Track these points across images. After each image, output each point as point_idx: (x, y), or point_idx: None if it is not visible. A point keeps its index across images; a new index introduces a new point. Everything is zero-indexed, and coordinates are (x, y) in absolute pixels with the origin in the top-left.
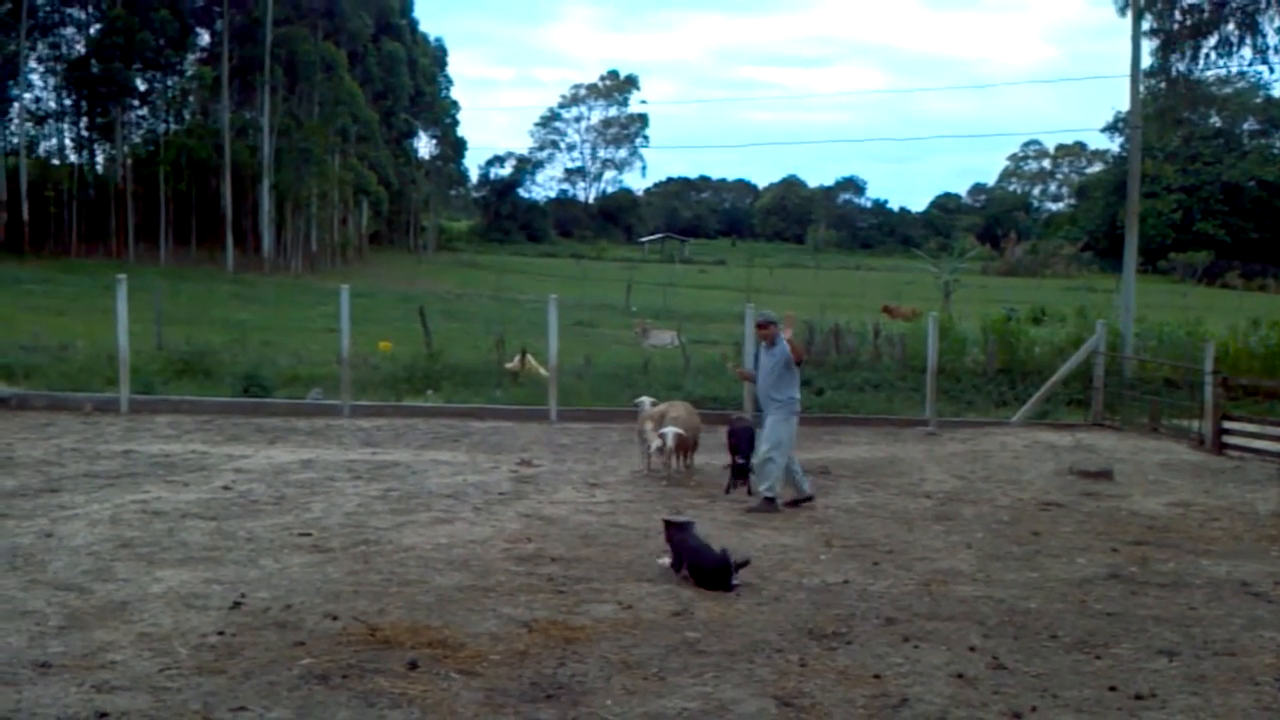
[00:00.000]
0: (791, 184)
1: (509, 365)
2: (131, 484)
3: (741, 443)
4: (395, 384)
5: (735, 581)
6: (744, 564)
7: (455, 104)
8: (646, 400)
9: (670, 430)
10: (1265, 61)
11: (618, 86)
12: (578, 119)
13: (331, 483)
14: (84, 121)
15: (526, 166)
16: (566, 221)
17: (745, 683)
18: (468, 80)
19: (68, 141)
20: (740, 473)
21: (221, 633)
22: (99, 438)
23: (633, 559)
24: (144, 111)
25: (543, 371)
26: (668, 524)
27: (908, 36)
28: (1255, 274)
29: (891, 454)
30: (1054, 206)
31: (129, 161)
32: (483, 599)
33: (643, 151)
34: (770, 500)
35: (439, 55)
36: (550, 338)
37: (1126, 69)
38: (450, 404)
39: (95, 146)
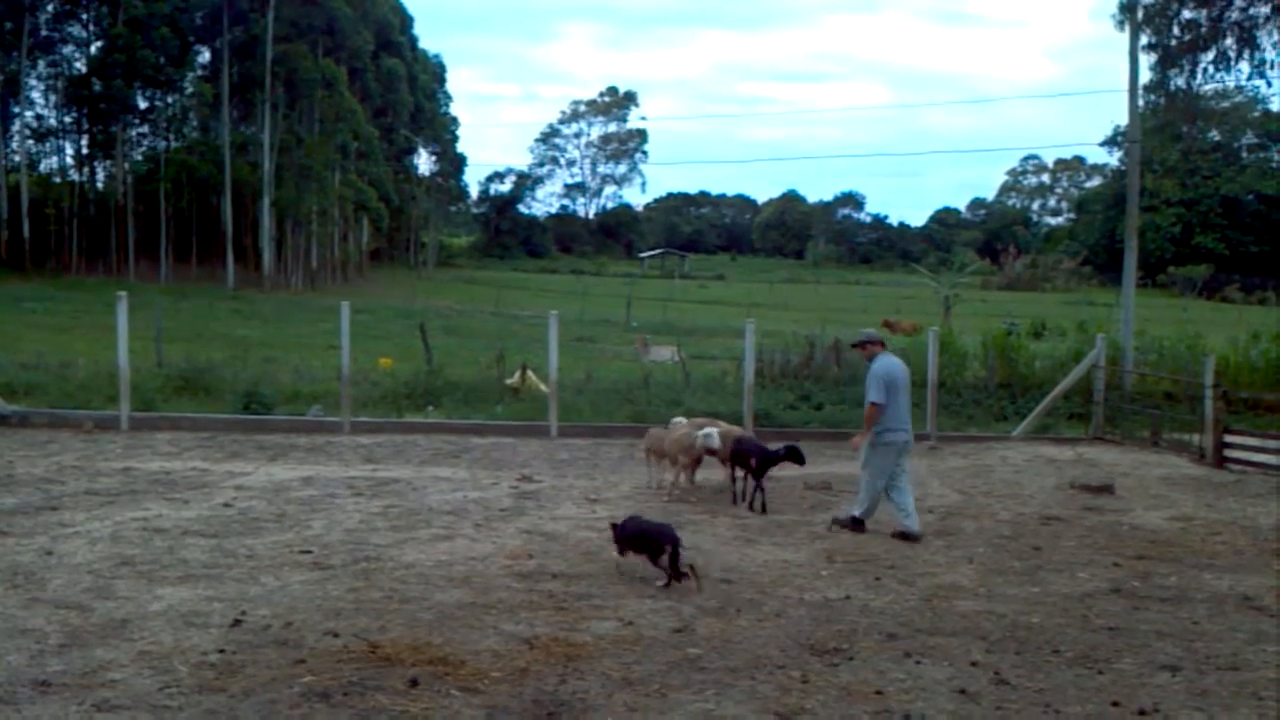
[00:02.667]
0: (791, 199)
1: (509, 381)
2: (132, 501)
3: (753, 456)
4: (396, 400)
5: (683, 566)
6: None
7: (455, 120)
8: (683, 420)
9: (715, 430)
10: (1263, 76)
11: (617, 103)
12: (577, 135)
13: (332, 499)
14: (85, 139)
15: (526, 182)
16: (566, 237)
17: (747, 699)
18: (472, 97)
19: (68, 159)
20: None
21: (222, 650)
22: (99, 455)
23: (633, 575)
24: (144, 129)
25: (543, 387)
26: (615, 527)
27: (909, 53)
28: (1255, 287)
29: None
30: (1053, 221)
31: (129, 178)
32: (484, 616)
33: (642, 167)
34: (858, 521)
35: (438, 72)
36: (550, 353)
37: (1125, 84)
38: (451, 420)
39: (96, 164)
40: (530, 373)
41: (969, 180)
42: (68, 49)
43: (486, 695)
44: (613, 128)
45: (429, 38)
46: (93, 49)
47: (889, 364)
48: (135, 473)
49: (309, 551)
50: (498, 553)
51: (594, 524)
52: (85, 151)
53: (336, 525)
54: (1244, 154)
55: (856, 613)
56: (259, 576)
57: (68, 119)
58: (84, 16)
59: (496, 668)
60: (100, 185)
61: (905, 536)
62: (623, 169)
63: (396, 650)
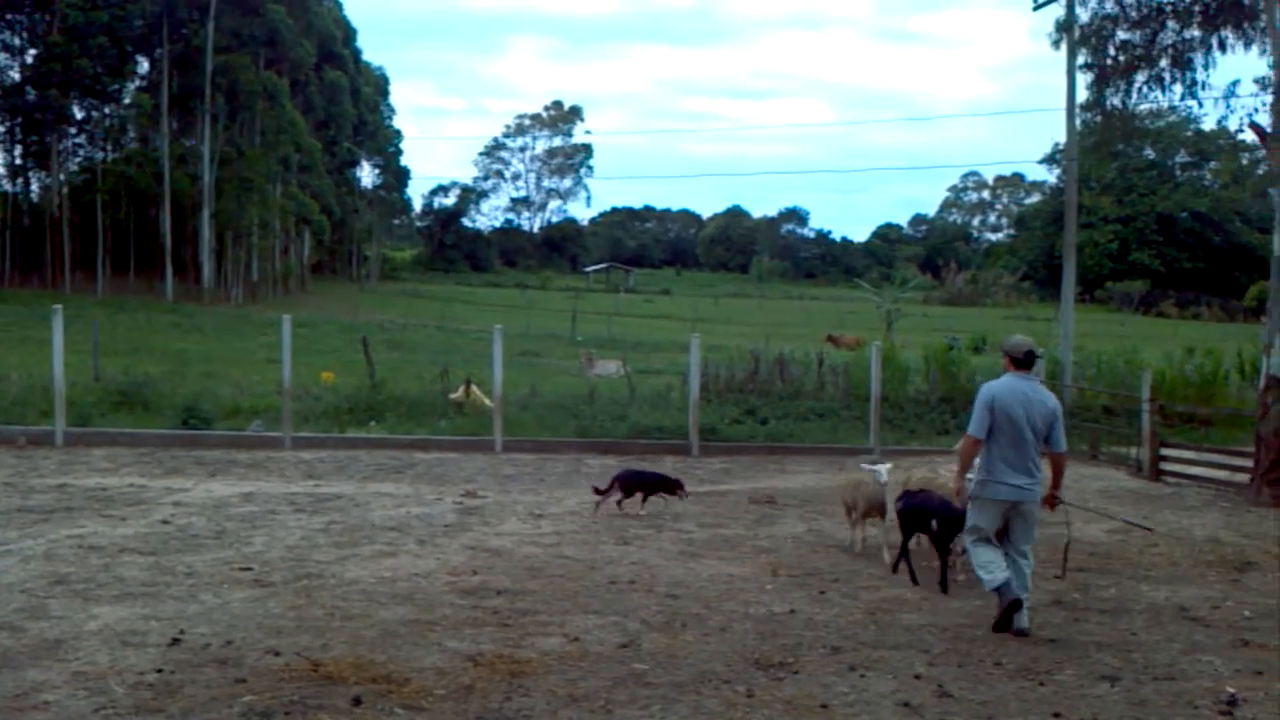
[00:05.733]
0: (735, 214)
1: (453, 396)
2: (67, 519)
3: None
4: (338, 415)
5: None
6: None
7: (398, 133)
8: (882, 467)
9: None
10: (1194, 97)
11: (562, 117)
12: (523, 149)
13: (273, 516)
14: (19, 149)
15: (471, 196)
16: (511, 251)
17: (692, 714)
18: (418, 110)
19: (1, 169)
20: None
21: (160, 670)
22: (33, 471)
23: (579, 590)
24: (81, 139)
25: (487, 402)
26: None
27: (852, 70)
28: (1189, 303)
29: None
30: (993, 236)
31: (65, 190)
32: (427, 633)
33: (587, 181)
34: (999, 596)
35: (382, 84)
36: (495, 368)
37: (1063, 103)
38: (394, 435)
39: (30, 174)
40: (475, 387)
41: (911, 196)
42: (1, 57)
43: (431, 713)
44: (558, 142)
45: (373, 50)
46: (27, 57)
47: (1006, 388)
48: (70, 489)
49: (249, 569)
50: (441, 569)
51: (539, 540)
52: (19, 162)
53: (278, 542)
54: (1178, 172)
55: (801, 626)
56: (198, 594)
57: (1, 129)
58: (18, 24)
59: (441, 685)
60: (35, 196)
61: (1004, 625)
62: (568, 183)
63: (339, 668)
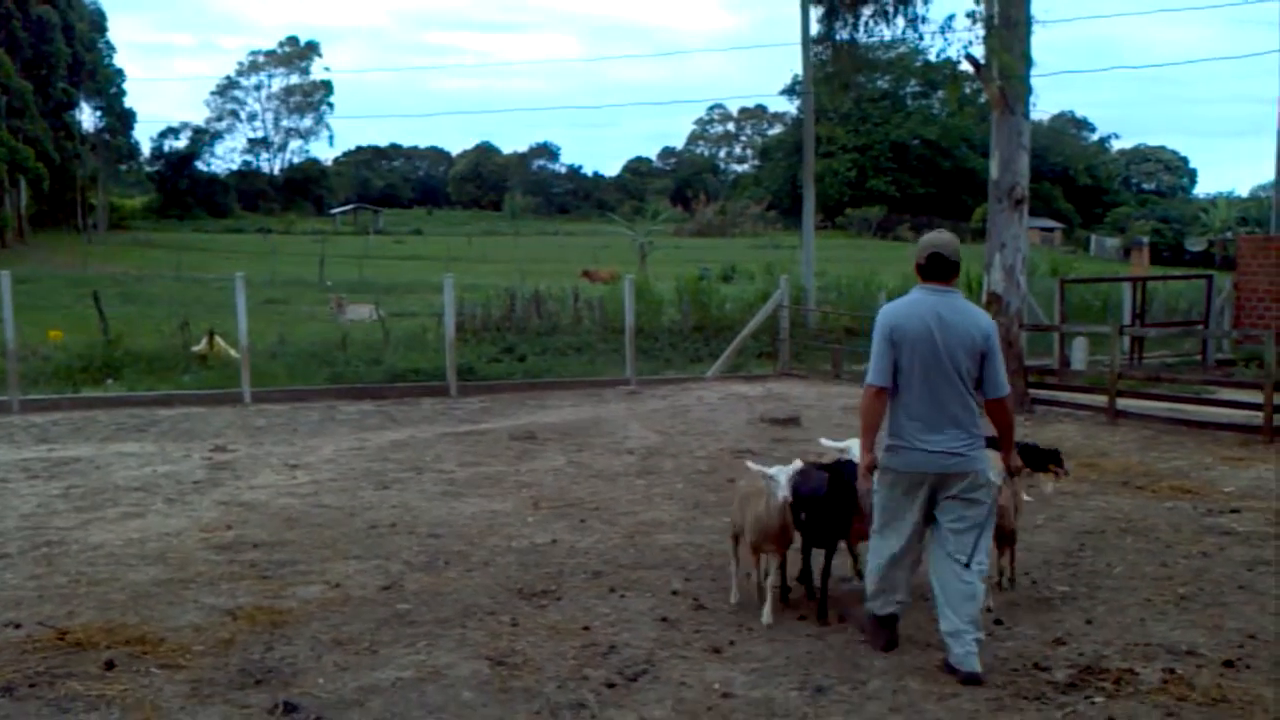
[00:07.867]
0: (486, 151)
1: (196, 348)
2: None
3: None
4: (71, 375)
5: None
6: None
7: (120, 72)
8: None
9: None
10: (916, 30)
11: (298, 54)
12: (258, 87)
13: (4, 484)
14: None
15: (204, 138)
16: (251, 194)
17: (458, 647)
18: (142, 47)
19: None
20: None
21: None
22: None
23: (338, 538)
24: None
25: (233, 353)
26: None
27: (597, 3)
28: (923, 226)
29: (596, 415)
30: (739, 168)
31: None
32: (182, 591)
33: (329, 120)
34: (874, 622)
35: (98, 20)
36: (240, 317)
37: (799, 37)
38: (134, 393)
39: None
40: (219, 338)
41: (659, 130)
42: None
43: (189, 670)
44: (295, 79)
45: None
46: None
47: (909, 310)
48: None
49: None
50: (193, 526)
51: (295, 490)
52: None
53: (11, 511)
54: (909, 102)
55: (563, 555)
56: None
57: None
58: None
59: (199, 641)
60: None
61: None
62: (308, 122)
63: (88, 634)
